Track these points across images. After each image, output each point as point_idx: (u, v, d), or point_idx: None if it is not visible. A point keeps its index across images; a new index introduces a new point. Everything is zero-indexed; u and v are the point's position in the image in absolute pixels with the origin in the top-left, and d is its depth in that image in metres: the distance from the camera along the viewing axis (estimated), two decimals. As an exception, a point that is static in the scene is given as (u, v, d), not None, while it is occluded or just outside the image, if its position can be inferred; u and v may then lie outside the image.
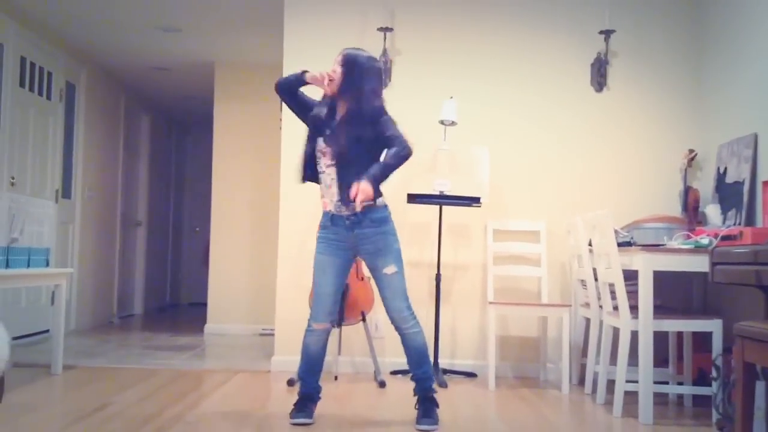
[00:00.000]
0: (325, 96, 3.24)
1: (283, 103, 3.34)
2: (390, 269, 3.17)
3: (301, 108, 3.28)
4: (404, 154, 3.09)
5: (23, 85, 5.48)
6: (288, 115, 4.68)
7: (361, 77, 3.15)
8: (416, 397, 3.23)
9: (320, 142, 3.20)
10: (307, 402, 3.22)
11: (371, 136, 3.14)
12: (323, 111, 3.22)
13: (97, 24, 5.78)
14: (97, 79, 6.91)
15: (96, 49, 6.46)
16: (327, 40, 4.67)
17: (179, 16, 5.57)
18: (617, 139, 4.65)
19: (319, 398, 3.29)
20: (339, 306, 4.18)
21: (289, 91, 3.25)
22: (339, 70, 3.16)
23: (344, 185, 3.13)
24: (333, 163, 3.17)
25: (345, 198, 3.13)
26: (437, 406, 3.20)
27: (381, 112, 3.17)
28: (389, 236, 3.19)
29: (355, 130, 3.13)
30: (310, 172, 3.26)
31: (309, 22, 4.71)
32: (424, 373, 3.20)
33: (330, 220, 3.22)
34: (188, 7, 5.38)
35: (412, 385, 3.26)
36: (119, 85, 7.52)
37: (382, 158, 3.17)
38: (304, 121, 3.30)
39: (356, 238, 3.19)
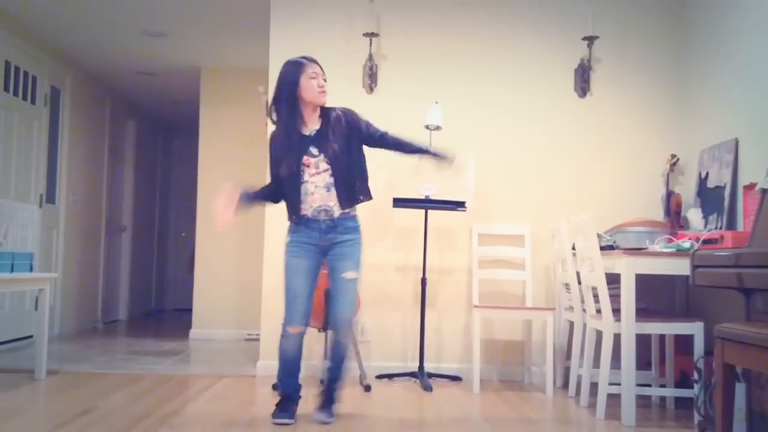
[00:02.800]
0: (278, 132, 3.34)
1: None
2: (350, 274, 3.26)
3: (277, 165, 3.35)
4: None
5: (7, 90, 5.46)
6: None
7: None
8: (322, 390, 3.33)
9: (303, 158, 3.25)
10: (288, 403, 3.28)
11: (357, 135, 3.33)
12: (290, 137, 3.26)
13: (82, 29, 5.77)
14: (82, 83, 6.89)
15: (81, 54, 6.44)
16: (313, 45, 4.68)
17: (165, 20, 5.56)
18: (601, 145, 4.69)
19: (299, 397, 3.33)
20: (324, 311, 4.21)
21: (267, 198, 3.51)
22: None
23: (342, 186, 3.24)
24: (320, 171, 3.23)
25: (346, 195, 3.24)
26: (336, 402, 3.33)
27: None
28: (358, 245, 3.32)
29: (342, 134, 3.30)
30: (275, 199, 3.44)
31: (295, 28, 4.72)
32: (342, 377, 3.32)
33: (304, 224, 3.27)
34: (174, 12, 5.38)
35: (398, 389, 3.31)
36: (104, 89, 7.50)
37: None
38: (273, 166, 3.38)
39: (329, 242, 3.27)
